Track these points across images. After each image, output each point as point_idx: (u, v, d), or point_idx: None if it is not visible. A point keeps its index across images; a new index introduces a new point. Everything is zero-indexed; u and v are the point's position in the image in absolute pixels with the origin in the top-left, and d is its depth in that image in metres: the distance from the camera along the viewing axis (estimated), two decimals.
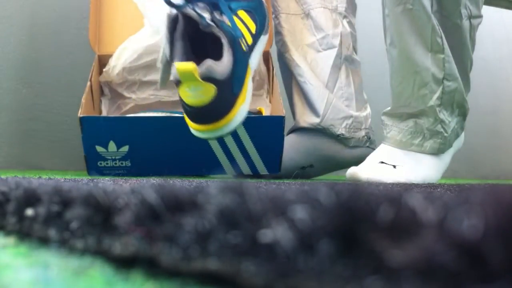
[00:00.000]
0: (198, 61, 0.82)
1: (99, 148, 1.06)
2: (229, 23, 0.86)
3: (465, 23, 0.92)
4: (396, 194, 0.19)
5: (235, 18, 0.89)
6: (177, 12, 0.85)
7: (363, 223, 0.16)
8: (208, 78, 0.81)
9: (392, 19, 0.92)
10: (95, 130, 1.06)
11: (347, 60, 1.18)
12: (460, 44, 0.93)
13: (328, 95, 1.14)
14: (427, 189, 0.50)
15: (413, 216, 0.16)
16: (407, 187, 0.50)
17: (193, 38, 0.87)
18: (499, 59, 2.15)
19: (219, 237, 0.19)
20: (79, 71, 1.38)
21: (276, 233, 0.17)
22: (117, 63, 1.20)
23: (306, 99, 1.15)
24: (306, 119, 1.14)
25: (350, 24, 1.20)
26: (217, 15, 0.85)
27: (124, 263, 0.22)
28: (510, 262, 0.13)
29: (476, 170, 2.03)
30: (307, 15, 1.17)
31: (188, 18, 0.85)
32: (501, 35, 2.15)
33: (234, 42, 0.85)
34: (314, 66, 1.15)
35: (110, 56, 1.22)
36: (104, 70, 1.22)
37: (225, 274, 0.19)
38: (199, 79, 0.81)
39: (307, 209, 0.18)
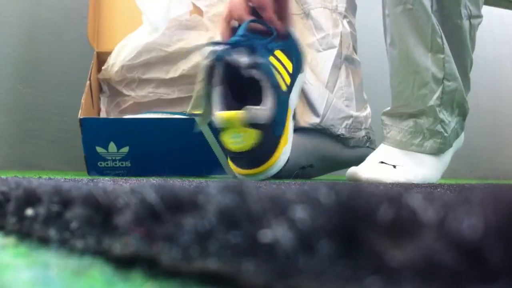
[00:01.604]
0: (238, 106, 0.81)
1: (99, 149, 1.06)
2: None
3: (465, 23, 0.92)
4: (396, 194, 0.19)
5: (272, 58, 0.87)
6: (215, 59, 0.83)
7: (363, 223, 0.16)
8: (252, 124, 0.80)
9: (392, 19, 0.92)
10: (95, 131, 1.06)
11: (347, 60, 1.18)
12: (460, 44, 0.93)
13: (328, 95, 1.14)
14: (427, 189, 0.50)
15: (413, 216, 0.16)
16: (407, 187, 0.50)
17: (232, 83, 0.85)
18: (499, 59, 2.15)
19: (219, 237, 0.19)
20: (79, 71, 1.38)
21: (276, 233, 0.17)
22: (116, 60, 1.20)
23: (306, 99, 1.14)
24: (306, 119, 1.14)
25: (350, 24, 1.20)
26: (255, 59, 0.83)
27: (124, 263, 0.22)
28: (510, 262, 0.13)
29: (476, 170, 2.03)
30: (307, 15, 1.17)
31: (226, 64, 0.83)
32: (501, 35, 2.15)
33: (275, 84, 0.84)
34: (314, 66, 1.15)
35: (108, 53, 1.22)
36: (103, 67, 1.22)
37: (225, 274, 0.19)
38: (242, 126, 0.79)
39: (307, 209, 0.17)
